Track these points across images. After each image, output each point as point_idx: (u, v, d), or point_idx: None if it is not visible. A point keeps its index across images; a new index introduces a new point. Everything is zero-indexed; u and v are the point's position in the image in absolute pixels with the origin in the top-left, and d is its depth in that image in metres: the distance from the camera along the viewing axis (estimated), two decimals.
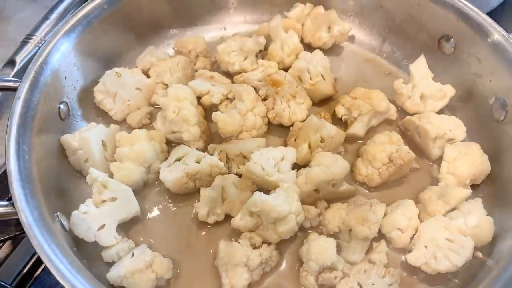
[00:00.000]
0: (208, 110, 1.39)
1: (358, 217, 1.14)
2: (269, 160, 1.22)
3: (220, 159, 1.27)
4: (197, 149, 1.30)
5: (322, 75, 1.44)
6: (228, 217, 1.22)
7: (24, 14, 1.84)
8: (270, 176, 1.21)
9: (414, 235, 1.18)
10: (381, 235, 1.20)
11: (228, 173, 1.26)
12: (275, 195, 1.13)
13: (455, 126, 1.34)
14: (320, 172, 1.20)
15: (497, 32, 1.32)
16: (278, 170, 1.22)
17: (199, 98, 1.40)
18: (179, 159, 1.26)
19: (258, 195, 1.11)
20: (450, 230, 1.13)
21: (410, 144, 1.37)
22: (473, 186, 1.29)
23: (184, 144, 1.31)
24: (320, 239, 1.14)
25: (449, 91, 1.42)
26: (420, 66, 1.45)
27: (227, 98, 1.41)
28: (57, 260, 0.96)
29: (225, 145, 1.32)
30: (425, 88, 1.41)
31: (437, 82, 1.43)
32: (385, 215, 1.19)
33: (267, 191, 1.18)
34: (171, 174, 1.23)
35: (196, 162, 1.23)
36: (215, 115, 1.32)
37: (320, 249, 1.12)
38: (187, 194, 1.28)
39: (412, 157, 1.26)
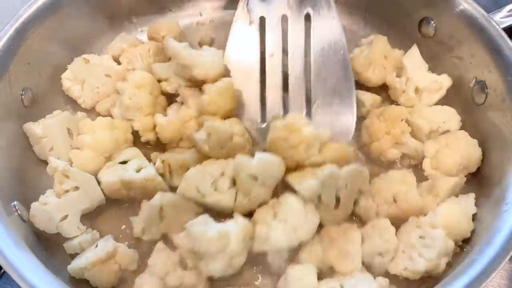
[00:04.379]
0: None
1: (338, 252, 1.06)
2: (205, 178, 1.10)
3: (163, 169, 1.18)
4: (148, 141, 1.25)
5: None
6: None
7: None
8: (207, 197, 1.10)
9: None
10: None
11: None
12: (214, 229, 0.99)
13: (448, 117, 1.29)
14: (283, 236, 1.05)
15: (476, 11, 1.28)
16: (216, 189, 1.11)
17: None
18: (124, 162, 1.19)
19: (190, 225, 1.00)
20: (422, 227, 1.07)
21: None
22: None
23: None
24: (299, 272, 1.03)
25: (446, 81, 1.35)
26: (413, 58, 1.39)
27: None
28: (11, 256, 0.92)
29: (168, 154, 1.21)
30: (419, 80, 1.35)
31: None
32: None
33: None
34: (107, 176, 1.16)
35: (136, 171, 1.16)
36: (156, 117, 1.23)
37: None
38: None
39: (419, 204, 1.13)
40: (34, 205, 1.08)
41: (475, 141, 1.24)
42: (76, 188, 1.12)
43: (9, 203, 1.05)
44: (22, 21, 1.22)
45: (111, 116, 1.31)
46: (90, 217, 1.17)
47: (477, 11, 1.27)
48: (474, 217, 1.14)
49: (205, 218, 1.02)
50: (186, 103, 1.26)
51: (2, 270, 1.22)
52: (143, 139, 1.25)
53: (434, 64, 1.40)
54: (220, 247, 0.99)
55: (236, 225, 1.02)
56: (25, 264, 0.93)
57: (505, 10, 1.29)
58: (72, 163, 1.20)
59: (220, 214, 1.12)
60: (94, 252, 1.06)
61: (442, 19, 1.36)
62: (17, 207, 1.07)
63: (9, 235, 0.96)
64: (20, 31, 1.21)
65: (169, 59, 1.41)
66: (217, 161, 1.13)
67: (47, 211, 1.07)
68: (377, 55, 1.36)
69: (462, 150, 1.21)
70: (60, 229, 1.08)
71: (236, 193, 1.11)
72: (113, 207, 1.20)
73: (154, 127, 1.25)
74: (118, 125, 1.26)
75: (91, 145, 1.21)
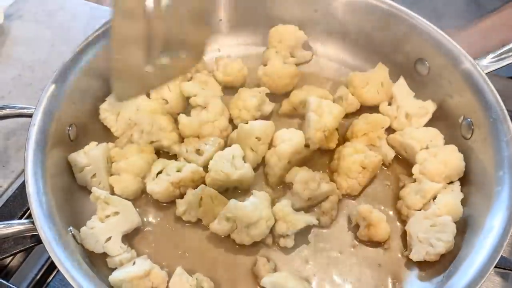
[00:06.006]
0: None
1: None
2: (224, 163, 1.37)
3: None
4: (176, 154, 1.47)
5: None
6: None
7: (30, 34, 1.97)
8: (233, 176, 1.36)
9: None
10: None
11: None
12: (248, 202, 1.29)
13: (434, 136, 1.49)
14: (287, 146, 1.39)
15: (465, 59, 1.45)
16: (236, 168, 1.37)
17: (188, 98, 1.55)
18: (160, 172, 1.41)
19: (233, 203, 1.27)
20: (430, 218, 1.29)
21: (398, 158, 1.53)
22: None
23: (165, 149, 1.49)
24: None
25: (431, 106, 1.55)
26: (401, 87, 1.59)
27: None
28: (74, 273, 1.09)
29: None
30: (408, 107, 1.55)
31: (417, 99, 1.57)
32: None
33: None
34: (158, 186, 1.36)
35: (177, 171, 1.38)
36: (180, 117, 1.49)
37: None
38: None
39: (380, 159, 1.42)
40: (83, 230, 1.24)
41: (461, 155, 1.42)
42: (116, 213, 1.29)
43: (67, 228, 1.22)
44: (68, 66, 1.40)
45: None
46: (128, 238, 1.34)
47: (465, 57, 1.45)
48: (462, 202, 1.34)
49: (235, 201, 1.28)
50: (207, 108, 1.50)
51: (47, 282, 1.40)
52: (172, 152, 1.47)
53: (427, 98, 1.57)
54: (258, 216, 1.26)
55: (257, 198, 1.31)
56: (80, 274, 1.11)
57: (489, 57, 1.46)
58: (113, 187, 1.38)
59: (240, 193, 1.43)
60: (134, 268, 1.23)
61: (433, 62, 1.54)
62: (72, 232, 1.23)
63: (70, 254, 1.13)
64: (67, 75, 1.38)
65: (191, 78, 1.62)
66: (226, 149, 1.41)
67: (94, 235, 1.24)
68: (375, 78, 1.58)
69: (447, 161, 1.40)
70: (105, 249, 1.25)
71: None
72: (147, 229, 1.38)
73: (182, 140, 1.49)
74: (144, 149, 1.45)
75: (127, 169, 1.39)
